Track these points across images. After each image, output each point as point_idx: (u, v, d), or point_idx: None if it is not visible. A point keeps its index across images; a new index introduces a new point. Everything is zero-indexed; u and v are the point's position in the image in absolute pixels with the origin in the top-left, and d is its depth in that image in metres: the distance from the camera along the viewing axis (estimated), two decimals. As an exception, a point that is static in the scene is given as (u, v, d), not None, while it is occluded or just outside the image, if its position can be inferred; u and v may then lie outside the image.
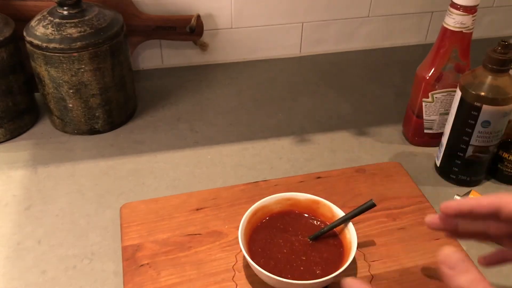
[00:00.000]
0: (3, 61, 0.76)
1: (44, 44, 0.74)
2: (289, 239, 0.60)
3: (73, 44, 0.74)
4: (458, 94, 0.68)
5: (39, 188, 0.72)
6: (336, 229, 0.60)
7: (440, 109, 0.76)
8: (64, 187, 0.72)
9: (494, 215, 0.46)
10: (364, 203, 0.59)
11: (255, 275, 0.57)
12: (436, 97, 0.75)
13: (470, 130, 0.68)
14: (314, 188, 0.70)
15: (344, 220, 0.59)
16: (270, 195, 0.62)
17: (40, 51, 0.74)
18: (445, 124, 0.76)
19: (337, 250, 0.59)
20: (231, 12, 0.97)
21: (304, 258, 0.58)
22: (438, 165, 0.75)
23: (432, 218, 0.51)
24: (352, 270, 0.60)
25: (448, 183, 0.74)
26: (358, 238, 0.58)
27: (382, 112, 0.90)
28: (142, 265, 0.60)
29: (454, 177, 0.73)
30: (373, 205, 0.59)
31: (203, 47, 0.99)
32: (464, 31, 0.70)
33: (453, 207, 0.48)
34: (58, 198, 0.70)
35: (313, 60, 1.05)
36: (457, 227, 0.50)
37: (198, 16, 0.93)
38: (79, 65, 0.75)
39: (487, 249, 0.64)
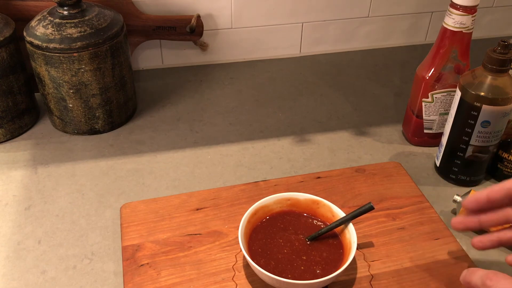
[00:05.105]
0: (3, 61, 0.76)
1: (44, 44, 0.74)
2: (289, 239, 0.60)
3: (73, 44, 0.74)
4: (458, 94, 0.68)
5: (39, 188, 0.72)
6: (336, 229, 0.60)
7: (440, 109, 0.77)
8: (64, 187, 0.72)
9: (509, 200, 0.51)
10: (363, 206, 0.59)
11: (255, 275, 0.58)
12: (435, 97, 0.75)
13: (470, 130, 0.68)
14: (314, 188, 0.70)
15: (342, 222, 0.59)
16: (270, 195, 0.62)
17: (40, 51, 0.75)
18: (444, 124, 0.76)
19: (337, 250, 0.59)
20: (231, 12, 0.97)
21: (304, 258, 0.58)
22: (438, 165, 0.75)
23: (456, 220, 0.55)
24: (352, 270, 0.60)
25: (447, 183, 0.74)
26: (358, 238, 0.58)
27: (382, 112, 0.90)
28: (142, 265, 0.60)
29: (454, 177, 0.73)
30: (371, 208, 0.58)
31: (203, 47, 1.00)
32: (463, 31, 0.70)
33: (471, 199, 0.53)
34: (58, 198, 0.70)
35: (313, 60, 1.05)
36: (481, 223, 0.54)
37: (198, 16, 0.93)
38: (79, 65, 0.75)
39: (487, 249, 0.64)
